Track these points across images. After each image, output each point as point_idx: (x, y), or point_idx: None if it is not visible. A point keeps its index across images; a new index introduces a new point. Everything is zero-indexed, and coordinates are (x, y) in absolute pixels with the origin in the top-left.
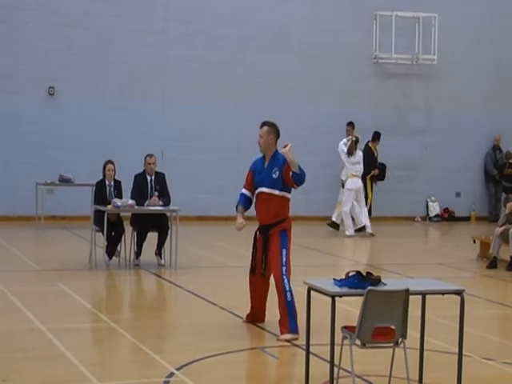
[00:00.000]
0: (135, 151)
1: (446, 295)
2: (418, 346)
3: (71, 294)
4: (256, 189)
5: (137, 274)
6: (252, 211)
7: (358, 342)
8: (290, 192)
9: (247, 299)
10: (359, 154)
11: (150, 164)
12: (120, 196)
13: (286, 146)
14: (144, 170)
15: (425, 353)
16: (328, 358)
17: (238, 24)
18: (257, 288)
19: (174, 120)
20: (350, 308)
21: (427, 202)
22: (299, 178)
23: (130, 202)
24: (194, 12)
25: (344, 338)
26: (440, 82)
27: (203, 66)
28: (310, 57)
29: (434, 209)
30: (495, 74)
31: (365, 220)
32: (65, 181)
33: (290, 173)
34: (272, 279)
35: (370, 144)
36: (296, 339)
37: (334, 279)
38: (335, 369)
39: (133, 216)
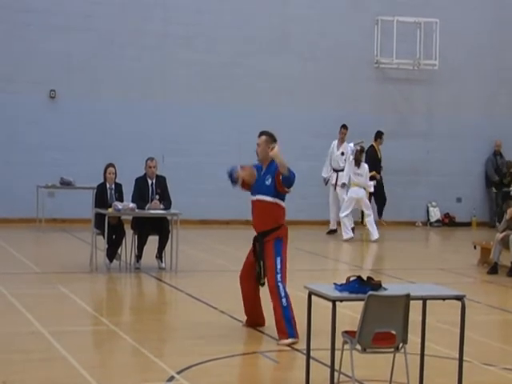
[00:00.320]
0: (136, 154)
1: (446, 300)
2: (419, 351)
3: (72, 296)
4: (252, 195)
5: (137, 278)
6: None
7: (358, 346)
8: (283, 200)
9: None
10: (364, 166)
11: (150, 167)
12: (121, 199)
13: (272, 149)
14: (145, 174)
15: (425, 358)
16: (328, 363)
17: (239, 26)
18: (248, 293)
19: (175, 123)
20: (351, 313)
21: (428, 207)
22: (288, 180)
23: (131, 205)
24: (195, 14)
25: (344, 342)
26: (441, 87)
27: (204, 68)
28: (310, 60)
29: (435, 214)
30: (496, 79)
31: (370, 227)
32: (66, 184)
33: (280, 177)
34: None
35: (373, 143)
36: (296, 343)
37: (334, 284)
38: (336, 373)
39: (134, 219)
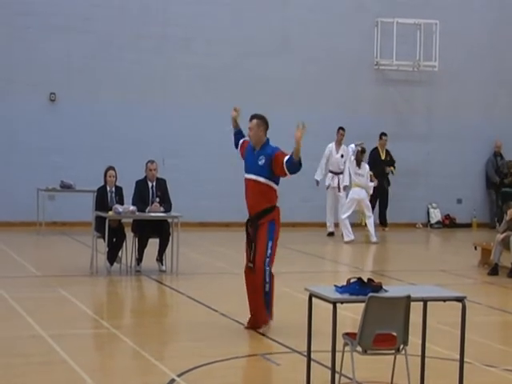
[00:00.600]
0: (136, 157)
1: (447, 302)
2: (420, 353)
3: (72, 299)
4: (245, 172)
5: (138, 280)
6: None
7: (359, 348)
8: (276, 183)
9: (248, 305)
10: (365, 166)
11: (151, 170)
12: (121, 202)
13: (300, 133)
14: (145, 176)
15: (426, 359)
16: (329, 365)
17: (238, 29)
18: (252, 286)
19: (175, 125)
20: (352, 315)
21: (428, 209)
22: (294, 166)
23: (132, 208)
24: (194, 17)
25: (345, 344)
26: (441, 89)
27: (203, 71)
28: (310, 63)
29: (435, 215)
30: (496, 80)
31: (370, 229)
32: (66, 187)
33: (285, 158)
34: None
35: (377, 144)
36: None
37: (335, 286)
38: (336, 375)
39: (134, 222)
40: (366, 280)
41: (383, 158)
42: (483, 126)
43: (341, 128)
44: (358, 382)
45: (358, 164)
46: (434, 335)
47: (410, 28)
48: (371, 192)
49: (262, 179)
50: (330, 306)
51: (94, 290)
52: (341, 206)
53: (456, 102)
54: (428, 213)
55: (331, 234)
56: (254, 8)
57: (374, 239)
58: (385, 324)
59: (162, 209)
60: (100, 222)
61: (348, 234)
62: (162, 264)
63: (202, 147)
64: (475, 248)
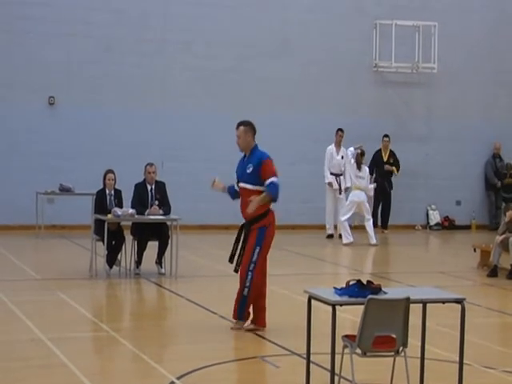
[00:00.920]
0: (135, 160)
1: (446, 304)
2: (419, 355)
3: (71, 303)
4: (238, 182)
5: (137, 283)
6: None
7: (358, 350)
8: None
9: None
10: (365, 169)
11: (150, 173)
12: (120, 205)
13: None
14: (144, 179)
15: (425, 361)
16: (329, 367)
17: (238, 32)
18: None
19: (174, 129)
20: (351, 317)
21: (427, 211)
22: (270, 194)
23: (131, 211)
24: (194, 19)
25: (345, 346)
26: (440, 90)
27: (203, 73)
28: (309, 65)
29: (435, 217)
30: (495, 81)
31: (369, 231)
32: (65, 190)
33: (265, 183)
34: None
35: (381, 146)
36: (245, 329)
37: (334, 288)
38: (336, 378)
39: (133, 225)
40: (365, 282)
41: (386, 159)
42: (482, 128)
43: (340, 129)
44: None
45: (359, 167)
46: (434, 337)
47: (408, 30)
48: (371, 194)
49: (250, 186)
50: (330, 308)
51: (94, 293)
52: (341, 207)
53: (455, 104)
54: (427, 214)
55: (330, 237)
56: (254, 10)
57: (373, 241)
58: (384, 326)
59: (161, 212)
60: (99, 225)
61: (347, 237)
62: (162, 267)
63: (202, 150)
64: (474, 250)
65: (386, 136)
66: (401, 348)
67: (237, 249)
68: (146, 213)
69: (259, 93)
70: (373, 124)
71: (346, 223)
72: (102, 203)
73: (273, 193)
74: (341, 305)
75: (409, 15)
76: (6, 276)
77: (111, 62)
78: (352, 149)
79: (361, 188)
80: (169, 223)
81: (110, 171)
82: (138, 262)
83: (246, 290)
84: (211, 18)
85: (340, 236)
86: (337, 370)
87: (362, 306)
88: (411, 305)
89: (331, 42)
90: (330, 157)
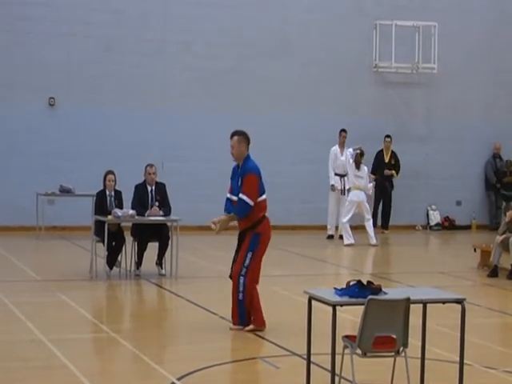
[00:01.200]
0: (135, 161)
1: (446, 304)
2: (419, 355)
3: (72, 304)
4: (232, 195)
5: (137, 284)
6: None
7: (358, 351)
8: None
9: None
10: (364, 168)
11: (150, 174)
12: (120, 206)
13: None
14: (144, 180)
15: (426, 362)
16: (329, 368)
17: (238, 32)
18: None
19: (174, 129)
20: (351, 317)
21: (428, 211)
22: (236, 213)
23: (131, 212)
24: (194, 19)
25: (345, 347)
26: (440, 91)
27: (203, 74)
28: (310, 65)
29: (435, 217)
30: (495, 82)
31: (369, 232)
32: (65, 191)
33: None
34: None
35: (382, 147)
36: (245, 330)
37: (334, 288)
38: (336, 378)
39: (133, 226)
40: (365, 282)
41: (387, 160)
42: (482, 128)
43: (343, 130)
44: None
45: (357, 166)
46: (434, 337)
47: (408, 30)
48: (371, 192)
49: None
50: (330, 309)
51: (94, 294)
52: (343, 208)
53: (455, 104)
54: (427, 215)
55: (331, 237)
56: (254, 10)
57: (373, 241)
58: (384, 326)
59: (161, 212)
60: (99, 226)
61: (348, 238)
62: (162, 268)
63: (202, 150)
64: (474, 250)
65: (388, 136)
66: (401, 348)
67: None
68: (146, 214)
69: (259, 93)
70: (373, 124)
71: (347, 224)
72: (102, 204)
73: (237, 211)
74: (341, 305)
75: (409, 15)
76: (6, 277)
77: (111, 62)
78: (351, 149)
79: (360, 188)
80: (169, 224)
81: (110, 172)
82: (138, 263)
83: (241, 294)
84: (211, 18)
85: (340, 237)
86: (337, 371)
87: (363, 307)
88: (411, 305)
89: (331, 42)
90: (335, 157)
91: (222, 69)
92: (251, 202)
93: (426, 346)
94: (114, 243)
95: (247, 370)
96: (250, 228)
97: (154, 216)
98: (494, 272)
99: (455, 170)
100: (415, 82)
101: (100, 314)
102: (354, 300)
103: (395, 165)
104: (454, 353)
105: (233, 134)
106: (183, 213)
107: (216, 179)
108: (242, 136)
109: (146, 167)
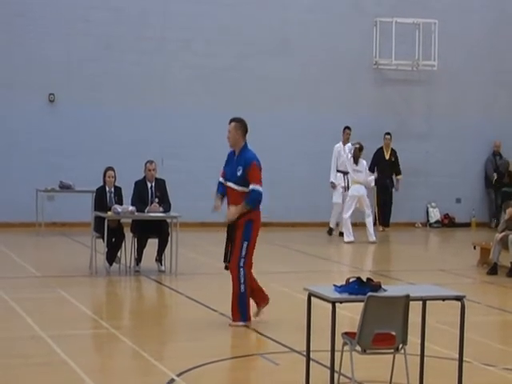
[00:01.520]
0: (135, 158)
1: (446, 301)
2: (419, 352)
3: (71, 300)
4: (226, 180)
5: (137, 281)
6: None
7: (358, 348)
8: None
9: None
10: (363, 162)
11: (150, 170)
12: (120, 202)
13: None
14: (144, 177)
15: (425, 359)
16: (328, 365)
17: (238, 30)
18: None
19: (174, 127)
20: (351, 314)
21: (427, 208)
22: (249, 203)
23: (131, 208)
24: (194, 17)
25: (344, 344)
26: (440, 88)
27: (202, 72)
28: (310, 63)
29: (435, 215)
30: (495, 79)
31: (369, 228)
32: (65, 187)
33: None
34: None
35: (382, 144)
36: (247, 327)
37: (334, 285)
38: (336, 375)
39: (133, 222)
40: (365, 279)
41: (387, 157)
42: (482, 126)
43: (347, 127)
44: (357, 382)
45: (356, 161)
46: (433, 334)
47: (408, 28)
48: (372, 185)
49: (238, 187)
50: (329, 306)
51: (94, 290)
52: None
53: (455, 102)
54: (427, 212)
55: (330, 231)
56: (254, 8)
57: (372, 239)
58: (384, 323)
59: (161, 209)
60: (99, 223)
61: (348, 235)
62: (161, 264)
63: (202, 147)
64: (474, 247)
65: (388, 134)
66: (400, 345)
67: (228, 247)
68: (145, 210)
69: (259, 91)
70: (373, 122)
71: (349, 221)
72: (101, 200)
73: (252, 202)
74: (341, 302)
75: (409, 13)
76: (6, 273)
77: (111, 60)
78: (349, 144)
79: (359, 182)
80: (169, 220)
81: (109, 168)
82: (138, 260)
83: (243, 286)
84: (211, 16)
85: (340, 234)
86: (336, 368)
87: (362, 304)
88: (411, 302)
89: (331, 41)
90: (338, 155)
91: (222, 67)
92: (261, 190)
93: (426, 343)
94: (113, 239)
95: (247, 366)
96: (244, 215)
97: (154, 212)
98: (493, 269)
99: (455, 168)
100: (415, 80)
101: (100, 310)
102: (353, 297)
103: (395, 162)
104: (454, 350)
105: (231, 120)
106: (183, 210)
107: (216, 177)
108: (239, 123)
109: (145, 164)
